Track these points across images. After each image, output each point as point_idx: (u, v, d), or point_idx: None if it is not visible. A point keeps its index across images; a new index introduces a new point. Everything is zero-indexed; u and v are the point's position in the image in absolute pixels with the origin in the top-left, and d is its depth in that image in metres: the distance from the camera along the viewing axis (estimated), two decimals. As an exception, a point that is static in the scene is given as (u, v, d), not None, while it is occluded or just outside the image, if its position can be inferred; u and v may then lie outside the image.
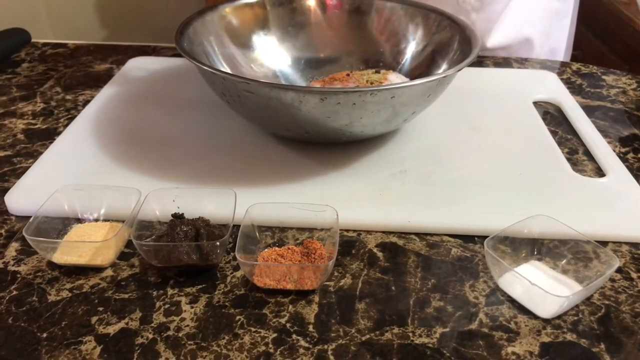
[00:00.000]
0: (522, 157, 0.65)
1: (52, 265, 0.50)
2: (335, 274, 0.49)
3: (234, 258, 0.50)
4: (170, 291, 0.47)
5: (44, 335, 0.43)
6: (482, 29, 0.95)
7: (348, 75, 0.74)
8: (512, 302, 0.47)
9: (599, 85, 0.85)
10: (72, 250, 0.49)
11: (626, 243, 0.53)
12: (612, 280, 0.49)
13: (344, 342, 0.43)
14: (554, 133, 0.71)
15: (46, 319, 0.45)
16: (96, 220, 0.54)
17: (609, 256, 0.48)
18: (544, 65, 0.92)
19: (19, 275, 0.49)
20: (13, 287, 0.47)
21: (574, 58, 1.13)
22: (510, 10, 0.95)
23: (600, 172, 0.64)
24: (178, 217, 0.51)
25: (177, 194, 0.53)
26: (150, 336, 0.43)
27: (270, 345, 0.43)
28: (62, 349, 0.42)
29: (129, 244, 0.52)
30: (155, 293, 0.47)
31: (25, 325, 0.44)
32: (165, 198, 0.53)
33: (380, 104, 0.56)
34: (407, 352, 0.42)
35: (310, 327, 0.44)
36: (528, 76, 0.87)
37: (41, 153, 0.64)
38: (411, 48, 0.76)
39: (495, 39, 0.96)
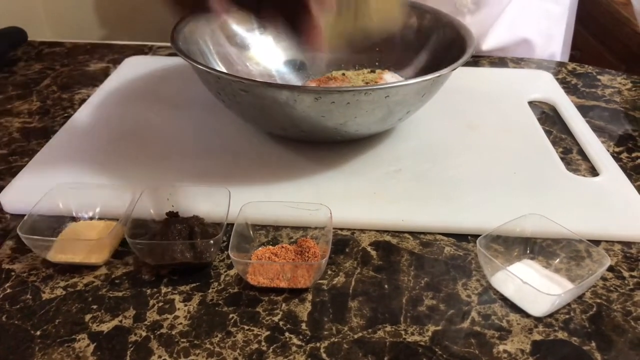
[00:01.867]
0: (516, 157, 0.65)
1: (46, 263, 0.50)
2: (329, 272, 0.50)
3: (228, 256, 0.50)
4: (164, 289, 0.47)
5: (38, 333, 0.43)
6: (478, 32, 0.95)
7: (344, 74, 0.74)
8: (505, 300, 0.47)
9: (594, 85, 0.86)
10: (66, 248, 0.49)
11: (618, 242, 0.54)
12: (604, 279, 0.50)
13: (336, 340, 0.43)
14: (548, 132, 0.71)
15: (40, 316, 0.45)
16: (91, 218, 0.54)
17: (601, 255, 0.48)
18: (540, 65, 0.92)
19: (13, 273, 0.49)
20: (7, 285, 0.48)
21: (572, 58, 1.13)
22: (506, 14, 0.95)
23: (594, 172, 0.64)
24: (172, 216, 0.51)
25: (171, 193, 0.54)
26: (144, 334, 0.43)
27: (263, 343, 0.43)
28: (56, 346, 0.42)
29: (123, 242, 0.52)
30: (149, 291, 0.47)
31: (19, 323, 0.44)
32: (159, 196, 0.53)
33: (374, 103, 0.56)
34: (399, 350, 0.43)
35: (303, 325, 0.44)
36: (523, 76, 0.87)
37: (37, 152, 0.64)
38: (407, 48, 0.76)
39: (490, 42, 0.96)
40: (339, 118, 0.57)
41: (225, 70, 0.71)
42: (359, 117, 0.57)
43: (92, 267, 0.49)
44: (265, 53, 0.77)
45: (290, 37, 0.77)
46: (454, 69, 0.59)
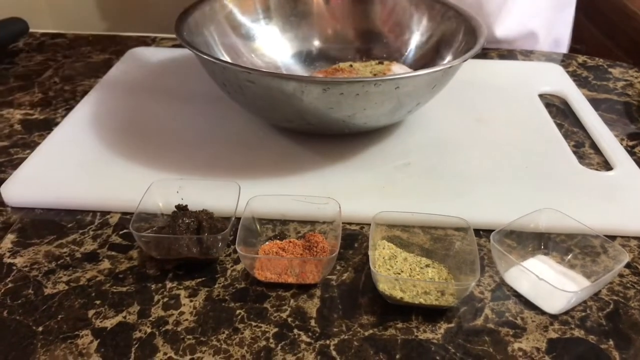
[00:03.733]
0: (528, 150, 0.64)
1: (48, 257, 0.49)
2: (338, 267, 0.48)
3: (234, 251, 0.49)
4: (169, 284, 0.46)
5: (40, 328, 0.42)
6: (486, 21, 0.93)
7: (351, 65, 0.73)
8: (519, 297, 0.46)
9: (605, 78, 0.84)
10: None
11: (634, 237, 0.52)
12: (620, 275, 0.48)
13: (346, 337, 0.42)
14: (559, 126, 0.70)
15: (42, 312, 0.44)
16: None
17: (617, 251, 0.47)
18: (550, 57, 0.91)
19: (14, 268, 0.48)
20: (8, 279, 0.46)
21: (577, 52, 1.11)
22: (513, 7, 0.94)
23: (607, 166, 0.62)
24: (181, 209, 0.50)
25: (180, 185, 0.52)
26: (149, 330, 0.42)
27: (271, 340, 0.42)
28: (58, 342, 0.41)
29: (127, 235, 0.51)
30: (153, 286, 0.46)
31: (20, 319, 0.43)
32: (168, 189, 0.52)
33: (384, 95, 0.54)
34: (411, 348, 0.41)
35: (312, 322, 0.43)
36: (533, 68, 0.85)
37: (39, 144, 0.63)
38: (415, 39, 0.74)
39: (499, 31, 0.95)
40: (348, 110, 0.55)
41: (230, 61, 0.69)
42: (367, 109, 0.56)
43: (95, 261, 0.48)
44: (271, 44, 0.76)
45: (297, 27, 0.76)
46: (465, 60, 0.57)
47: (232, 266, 0.48)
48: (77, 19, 1.44)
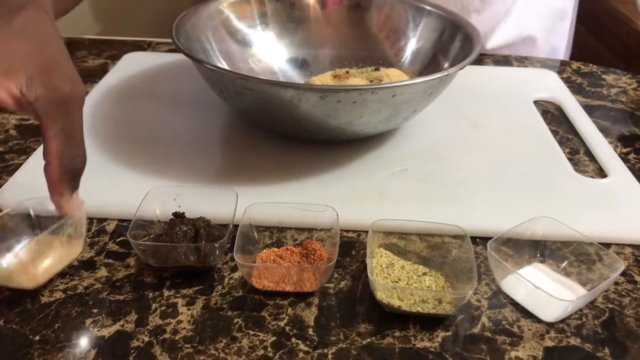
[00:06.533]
0: (523, 157, 0.64)
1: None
2: (335, 275, 0.48)
3: (232, 259, 0.49)
4: (166, 292, 0.46)
5: (37, 337, 0.42)
6: (483, 31, 0.93)
7: (347, 72, 0.73)
8: (515, 305, 0.46)
9: (599, 85, 0.85)
10: None
11: (629, 245, 0.53)
12: (615, 283, 0.49)
13: (344, 346, 0.42)
14: (554, 133, 0.70)
15: (39, 320, 0.43)
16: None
17: (612, 259, 0.47)
18: (544, 64, 0.91)
19: (11, 276, 0.47)
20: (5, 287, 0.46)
21: (572, 56, 1.12)
22: (512, 12, 0.94)
23: (602, 173, 0.63)
24: (178, 217, 0.50)
25: (178, 193, 0.52)
26: (146, 339, 0.42)
27: (269, 349, 0.42)
28: (55, 352, 0.41)
29: (124, 243, 0.51)
30: (151, 294, 0.46)
31: (17, 328, 0.43)
32: (166, 196, 0.52)
33: (381, 103, 0.55)
34: (408, 356, 0.42)
35: (310, 331, 0.43)
36: (528, 75, 0.86)
37: (34, 149, 0.63)
38: (411, 45, 0.75)
39: (495, 40, 0.95)
40: (345, 117, 0.56)
41: (227, 68, 0.69)
42: (365, 116, 0.56)
43: (92, 269, 0.48)
44: (268, 50, 0.76)
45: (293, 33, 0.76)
46: (462, 68, 0.58)
47: (229, 274, 0.48)
48: (72, 23, 1.43)
